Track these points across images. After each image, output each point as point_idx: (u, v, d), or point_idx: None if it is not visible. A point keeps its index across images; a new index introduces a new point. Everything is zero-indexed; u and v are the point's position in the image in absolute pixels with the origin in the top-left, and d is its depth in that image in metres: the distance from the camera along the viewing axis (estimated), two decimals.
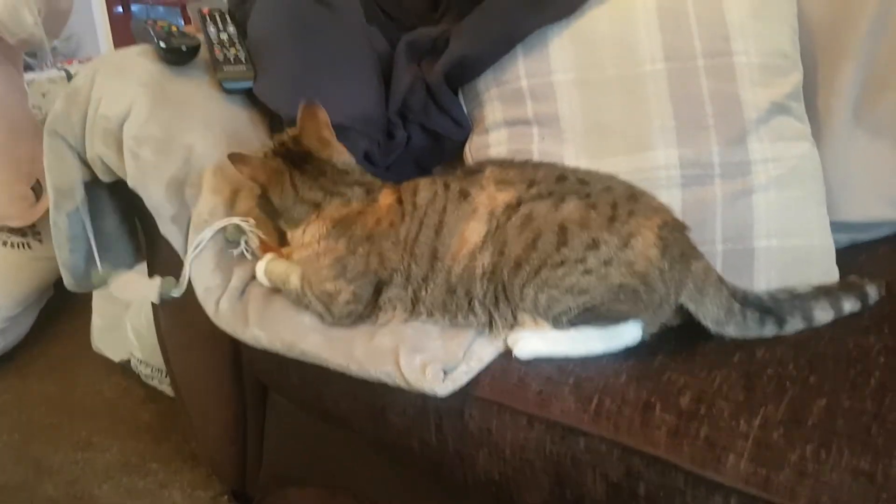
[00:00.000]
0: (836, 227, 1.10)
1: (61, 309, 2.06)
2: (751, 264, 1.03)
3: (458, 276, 0.94)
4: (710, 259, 0.99)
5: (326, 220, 0.99)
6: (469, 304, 0.94)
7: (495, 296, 0.92)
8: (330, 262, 0.98)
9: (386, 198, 0.99)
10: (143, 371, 1.72)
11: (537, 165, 0.99)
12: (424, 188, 0.98)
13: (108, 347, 1.82)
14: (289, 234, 1.04)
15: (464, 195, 0.95)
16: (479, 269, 0.93)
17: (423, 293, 0.96)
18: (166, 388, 1.69)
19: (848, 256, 1.09)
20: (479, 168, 0.98)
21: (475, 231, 0.93)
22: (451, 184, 0.97)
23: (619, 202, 0.90)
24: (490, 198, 0.93)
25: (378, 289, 0.98)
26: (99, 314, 1.82)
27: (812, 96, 1.13)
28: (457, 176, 0.98)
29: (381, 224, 0.97)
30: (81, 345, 1.89)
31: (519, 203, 0.92)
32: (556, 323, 0.91)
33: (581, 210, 0.89)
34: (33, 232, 1.93)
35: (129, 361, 1.76)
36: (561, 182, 0.93)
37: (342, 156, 1.03)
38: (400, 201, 0.98)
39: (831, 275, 1.05)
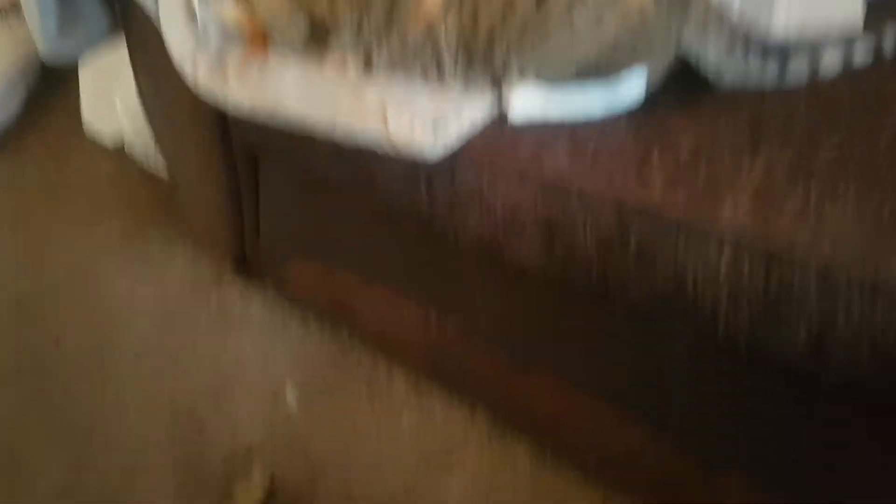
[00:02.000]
0: None
1: (51, 97, 2.01)
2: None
3: (418, 42, 0.87)
4: None
5: None
6: (438, 68, 0.88)
7: (469, 62, 0.86)
8: None
9: None
10: (137, 151, 1.70)
11: None
12: None
13: (99, 125, 1.78)
14: None
15: None
16: (441, 36, 0.86)
17: (377, 49, 0.90)
18: (161, 171, 1.67)
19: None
20: None
21: None
22: None
23: None
24: None
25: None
26: (87, 92, 1.76)
27: None
28: None
29: None
30: (75, 130, 1.85)
31: None
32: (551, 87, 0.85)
33: None
34: (12, 6, 1.83)
35: (122, 147, 1.73)
36: None
37: None
38: None
39: (856, 11, 0.96)
